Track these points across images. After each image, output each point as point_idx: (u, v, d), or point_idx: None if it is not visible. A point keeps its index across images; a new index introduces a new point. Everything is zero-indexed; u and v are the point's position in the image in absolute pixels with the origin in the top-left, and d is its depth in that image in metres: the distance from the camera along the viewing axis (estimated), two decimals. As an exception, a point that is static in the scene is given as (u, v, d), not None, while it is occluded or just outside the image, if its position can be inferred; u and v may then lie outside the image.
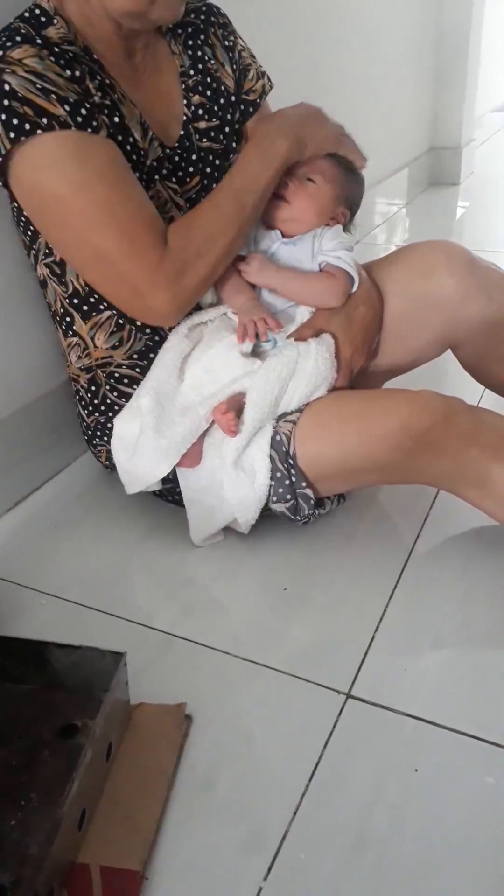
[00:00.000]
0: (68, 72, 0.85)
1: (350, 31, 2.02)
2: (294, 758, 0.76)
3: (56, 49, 0.85)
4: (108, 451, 1.09)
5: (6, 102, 0.82)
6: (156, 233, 0.90)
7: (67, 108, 0.83)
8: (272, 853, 0.67)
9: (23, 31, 0.86)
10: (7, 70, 0.82)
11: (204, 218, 0.94)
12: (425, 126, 2.75)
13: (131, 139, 0.93)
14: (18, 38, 0.84)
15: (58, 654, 0.77)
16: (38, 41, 0.85)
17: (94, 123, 0.85)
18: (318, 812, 0.71)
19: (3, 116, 0.82)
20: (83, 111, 0.84)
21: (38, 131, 0.82)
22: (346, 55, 2.03)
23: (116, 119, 0.91)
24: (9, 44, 0.83)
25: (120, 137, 0.91)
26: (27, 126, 0.82)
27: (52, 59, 0.84)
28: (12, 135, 0.83)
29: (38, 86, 0.82)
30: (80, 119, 0.83)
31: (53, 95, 0.82)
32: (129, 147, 0.92)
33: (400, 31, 2.35)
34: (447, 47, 2.65)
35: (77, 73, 0.86)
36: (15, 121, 0.82)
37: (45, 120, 0.82)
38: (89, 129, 0.84)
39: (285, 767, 0.75)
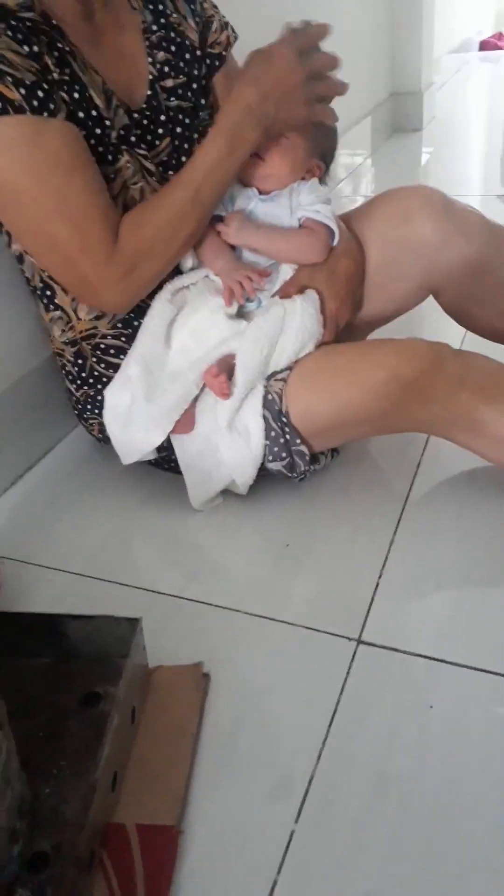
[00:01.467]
0: (25, 47, 0.82)
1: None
2: (312, 706, 0.78)
3: (13, 22, 0.82)
4: (101, 424, 1.08)
5: None
6: (107, 227, 0.89)
7: (23, 90, 0.80)
8: (300, 798, 0.70)
9: None
10: None
11: (158, 214, 0.92)
12: (385, 72, 2.71)
13: (94, 112, 0.90)
14: None
15: (72, 626, 0.78)
16: None
17: (52, 106, 0.83)
18: (341, 755, 0.73)
19: None
20: (39, 93, 0.82)
21: None
22: (301, 2, 1.98)
23: (76, 94, 0.88)
24: None
25: (81, 114, 0.88)
26: None
27: (8, 34, 0.81)
28: None
29: None
30: (35, 103, 0.81)
31: (9, 78, 0.80)
32: (90, 122, 0.90)
33: (354, -27, 2.29)
34: (402, -12, 2.60)
35: (35, 49, 0.83)
36: None
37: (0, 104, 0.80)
38: (45, 113, 0.82)
39: (304, 716, 0.77)
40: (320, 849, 0.66)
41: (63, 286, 0.98)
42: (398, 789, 0.70)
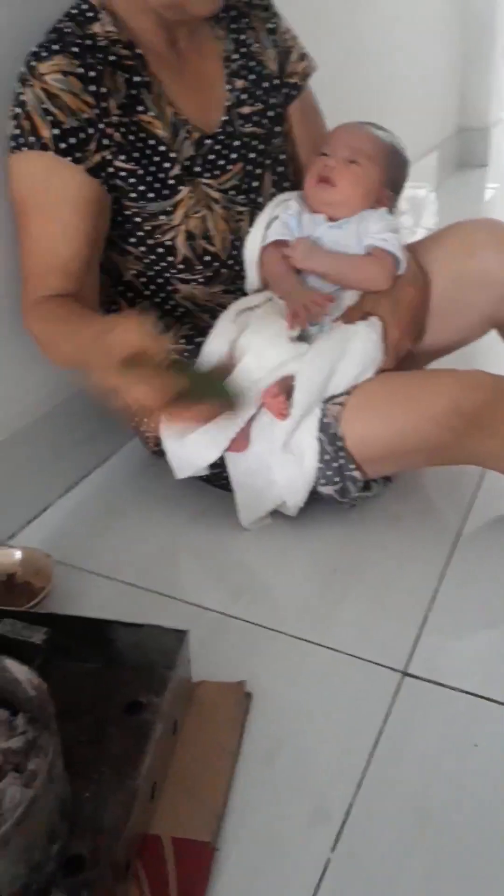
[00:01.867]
0: (93, 87, 0.87)
1: (375, 10, 2.00)
2: (354, 734, 0.77)
3: (90, 60, 0.87)
4: (156, 438, 1.10)
5: (17, 110, 0.87)
6: (41, 286, 0.93)
7: (57, 132, 0.86)
8: (338, 826, 0.69)
9: (66, 31, 0.88)
10: (29, 82, 0.86)
11: (58, 331, 0.91)
12: (453, 107, 2.72)
13: (159, 147, 0.94)
14: (56, 47, 0.86)
15: (121, 633, 0.79)
16: (75, 48, 0.87)
17: (78, 154, 0.88)
18: (381, 787, 0.72)
19: (13, 124, 0.88)
20: (72, 140, 0.87)
21: (24, 148, 0.87)
22: (375, 36, 2.01)
23: (139, 135, 0.93)
24: (44, 54, 0.86)
25: (136, 154, 0.92)
26: (20, 140, 0.88)
27: (80, 71, 0.86)
28: (12, 143, 0.89)
29: (44, 106, 0.86)
30: (63, 145, 0.87)
31: (50, 117, 0.86)
32: (147, 161, 0.93)
33: (427, 9, 2.32)
34: (474, 26, 2.62)
35: (103, 90, 0.88)
36: (17, 131, 0.88)
37: (32, 138, 0.87)
38: (69, 158, 0.87)
39: (346, 743, 0.76)
40: (356, 879, 0.65)
41: None
42: (437, 826, 0.68)
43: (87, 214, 0.90)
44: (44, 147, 0.86)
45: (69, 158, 0.86)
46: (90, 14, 0.90)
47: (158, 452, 1.13)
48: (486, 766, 0.73)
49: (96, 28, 0.90)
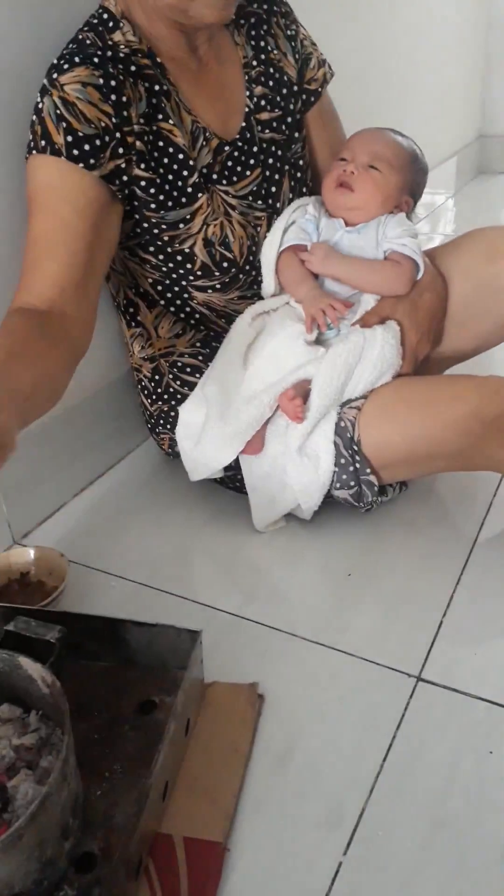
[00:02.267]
0: (113, 96, 0.87)
1: (400, 18, 2.01)
2: (367, 738, 0.77)
3: (111, 70, 0.87)
4: (171, 439, 1.11)
5: (34, 118, 0.88)
6: (26, 289, 0.87)
7: (70, 138, 0.86)
8: (350, 830, 0.69)
9: (88, 43, 0.89)
10: (49, 92, 0.87)
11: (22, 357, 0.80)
12: (474, 113, 2.72)
13: (178, 155, 0.94)
14: (77, 59, 0.87)
15: (134, 632, 0.79)
16: (97, 59, 0.87)
17: (92, 161, 0.87)
18: (394, 791, 0.72)
19: (32, 129, 0.88)
20: (86, 147, 0.86)
21: (34, 152, 0.88)
22: (396, 42, 2.02)
23: (160, 143, 0.93)
24: (66, 66, 0.87)
25: (154, 163, 0.93)
26: (33, 143, 0.88)
27: (101, 80, 0.86)
28: (28, 147, 0.89)
29: (59, 112, 0.86)
30: (76, 152, 0.86)
31: (64, 124, 0.86)
32: (166, 170, 0.94)
33: (449, 16, 2.32)
34: (497, 31, 2.62)
35: (125, 98, 0.88)
36: (31, 135, 0.88)
37: (43, 143, 0.87)
38: (82, 164, 0.86)
39: (359, 747, 0.76)
40: (368, 883, 0.64)
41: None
42: (451, 833, 0.68)
43: (88, 216, 0.88)
44: (56, 153, 0.86)
45: (81, 164, 0.86)
46: (111, 23, 0.91)
47: (173, 454, 1.14)
48: (501, 773, 0.72)
49: (117, 37, 0.90)
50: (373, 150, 1.02)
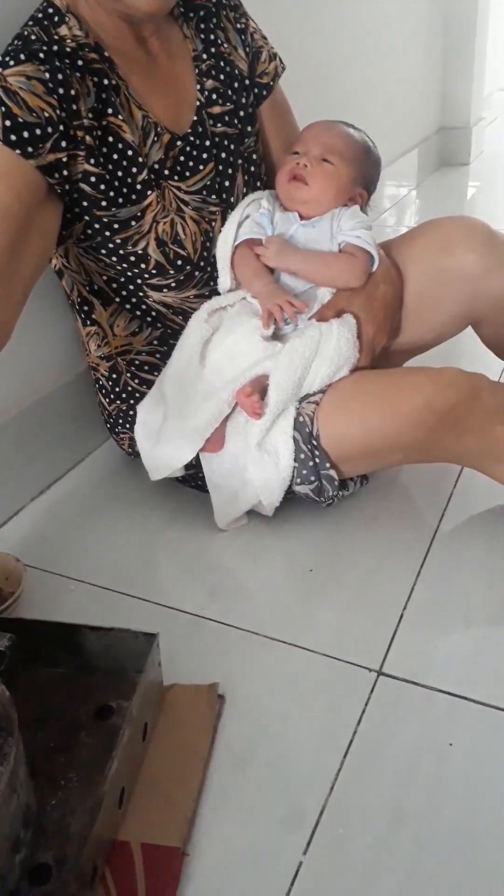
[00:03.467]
0: (61, 90, 0.85)
1: (357, 10, 2.00)
2: (328, 735, 0.76)
3: (57, 63, 0.85)
4: (131, 439, 1.09)
5: None
6: None
7: (8, 123, 0.82)
8: (310, 829, 0.68)
9: (33, 38, 0.86)
10: None
11: None
12: (434, 106, 2.73)
13: (127, 151, 0.92)
14: (23, 56, 0.84)
15: (90, 637, 0.78)
16: (42, 55, 0.85)
17: (30, 149, 0.83)
18: (355, 788, 0.71)
19: None
20: (25, 134, 0.83)
21: None
22: (354, 35, 2.01)
23: (110, 138, 0.91)
24: (11, 62, 0.84)
25: (102, 159, 0.90)
26: None
27: (46, 75, 0.84)
28: None
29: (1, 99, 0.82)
30: (13, 137, 0.83)
31: (3, 108, 0.82)
32: (115, 166, 0.92)
33: (408, 9, 2.32)
34: (455, 25, 2.63)
35: (72, 92, 0.86)
36: None
37: None
38: (19, 150, 0.83)
39: (320, 745, 0.75)
40: (328, 882, 0.64)
41: None
42: (413, 827, 0.68)
43: (23, 199, 0.85)
44: None
45: (18, 151, 0.84)
46: (56, 17, 0.89)
47: (133, 454, 1.12)
48: (461, 766, 0.72)
49: (63, 31, 0.88)
50: (325, 142, 1.02)
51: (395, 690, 0.80)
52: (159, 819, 0.68)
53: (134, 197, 0.94)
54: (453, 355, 1.18)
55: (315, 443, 0.95)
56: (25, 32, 0.88)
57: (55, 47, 0.87)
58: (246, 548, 1.03)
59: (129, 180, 0.93)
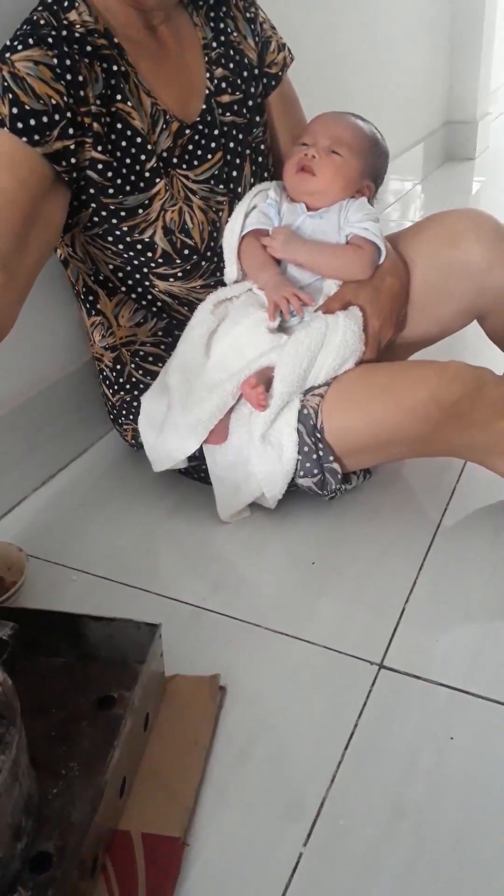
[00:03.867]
0: (69, 76, 0.84)
1: (365, 3, 1.99)
2: (329, 727, 0.76)
3: (65, 49, 0.84)
4: (134, 430, 1.09)
5: None
6: None
7: (15, 110, 0.82)
8: (311, 820, 0.68)
9: (42, 23, 0.85)
10: (2, 69, 0.83)
11: None
12: (440, 100, 2.71)
13: (136, 138, 0.92)
14: (31, 41, 0.83)
15: (92, 627, 0.77)
16: (51, 40, 0.84)
17: (37, 137, 0.83)
18: (355, 780, 0.71)
19: None
20: (32, 121, 0.83)
21: None
22: (361, 27, 2.00)
23: (118, 125, 0.90)
24: (19, 47, 0.83)
25: (110, 146, 0.90)
26: None
27: (54, 60, 0.83)
28: None
29: (6, 84, 0.82)
30: (20, 125, 0.82)
31: (10, 95, 0.82)
32: (124, 154, 0.91)
33: (415, 3, 2.31)
34: (462, 19, 2.61)
35: (80, 78, 0.85)
36: None
37: None
38: (25, 138, 0.82)
39: (320, 737, 0.75)
40: (328, 874, 0.64)
41: None
42: (413, 820, 0.68)
43: (29, 188, 0.84)
44: (1, 124, 0.82)
45: (24, 139, 0.83)
46: (66, 3, 0.88)
47: (136, 445, 1.12)
48: (462, 759, 0.72)
49: (72, 16, 0.87)
50: (333, 134, 1.01)
51: (397, 684, 0.80)
52: (160, 809, 0.68)
53: (142, 185, 0.93)
54: (458, 349, 1.18)
55: (319, 436, 0.95)
56: (34, 17, 0.87)
57: (64, 32, 0.86)
58: (248, 540, 1.03)
59: (138, 168, 0.92)
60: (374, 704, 0.78)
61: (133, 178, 0.92)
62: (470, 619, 0.88)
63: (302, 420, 0.95)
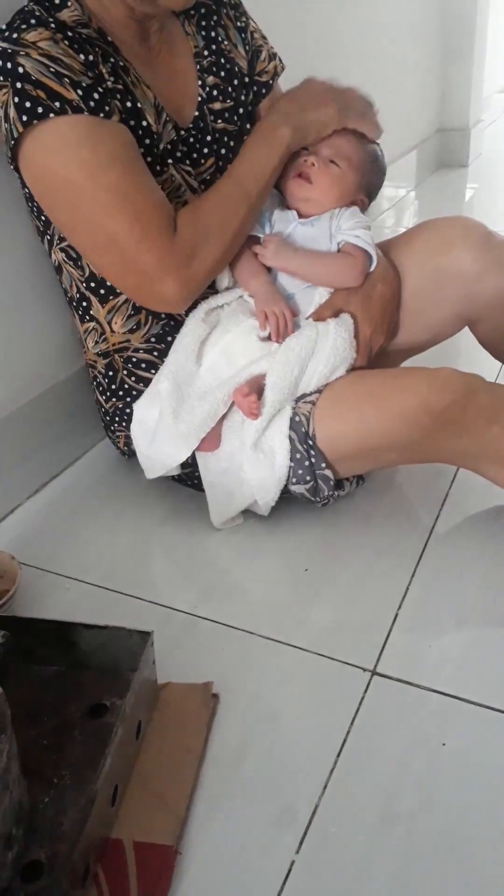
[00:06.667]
0: (82, 56, 0.85)
1: (357, 11, 2.00)
2: (321, 734, 0.76)
3: (70, 33, 0.85)
4: (127, 437, 1.09)
5: (19, 85, 0.81)
6: (166, 217, 0.90)
7: (80, 92, 0.82)
8: (303, 828, 0.68)
9: (37, 13, 0.85)
10: (21, 53, 0.81)
11: (211, 205, 0.94)
12: (433, 107, 2.73)
13: (144, 123, 0.92)
14: (33, 21, 0.83)
15: (85, 635, 0.77)
16: (52, 24, 0.84)
17: (107, 108, 0.85)
18: (347, 787, 0.71)
19: (17, 100, 0.82)
20: (95, 96, 0.83)
21: (51, 115, 0.82)
22: (353, 35, 2.01)
23: (129, 104, 0.90)
24: (23, 26, 0.83)
25: (132, 122, 0.90)
26: (40, 109, 0.82)
27: (66, 42, 0.84)
28: (25, 118, 0.82)
29: (52, 69, 0.82)
30: (92, 104, 0.83)
31: (66, 79, 0.82)
32: (140, 132, 0.92)
33: (407, 10, 2.32)
34: (454, 27, 2.63)
35: (91, 58, 0.86)
36: (28, 104, 0.81)
37: (57, 104, 0.82)
38: (101, 115, 0.84)
39: (313, 744, 0.75)
40: (320, 881, 0.64)
41: (119, 286, 0.97)
42: (405, 826, 0.68)
43: (141, 160, 0.88)
44: (77, 110, 0.81)
45: (101, 115, 0.82)
46: (58, 2, 0.87)
47: (129, 452, 1.12)
48: (454, 766, 0.73)
49: (64, 16, 0.87)
50: (335, 145, 1.01)
51: (389, 690, 0.80)
52: (152, 817, 0.68)
53: (157, 168, 0.94)
54: (450, 356, 1.19)
55: (311, 442, 0.95)
56: (27, 9, 0.86)
57: (58, 24, 0.85)
58: (241, 547, 1.03)
59: (154, 150, 0.93)
60: (367, 711, 0.78)
61: (149, 158, 0.92)
62: (462, 626, 0.88)
63: (293, 427, 0.96)
